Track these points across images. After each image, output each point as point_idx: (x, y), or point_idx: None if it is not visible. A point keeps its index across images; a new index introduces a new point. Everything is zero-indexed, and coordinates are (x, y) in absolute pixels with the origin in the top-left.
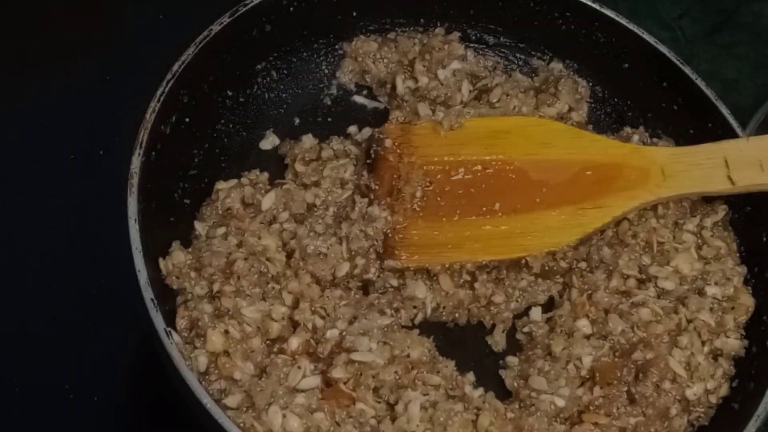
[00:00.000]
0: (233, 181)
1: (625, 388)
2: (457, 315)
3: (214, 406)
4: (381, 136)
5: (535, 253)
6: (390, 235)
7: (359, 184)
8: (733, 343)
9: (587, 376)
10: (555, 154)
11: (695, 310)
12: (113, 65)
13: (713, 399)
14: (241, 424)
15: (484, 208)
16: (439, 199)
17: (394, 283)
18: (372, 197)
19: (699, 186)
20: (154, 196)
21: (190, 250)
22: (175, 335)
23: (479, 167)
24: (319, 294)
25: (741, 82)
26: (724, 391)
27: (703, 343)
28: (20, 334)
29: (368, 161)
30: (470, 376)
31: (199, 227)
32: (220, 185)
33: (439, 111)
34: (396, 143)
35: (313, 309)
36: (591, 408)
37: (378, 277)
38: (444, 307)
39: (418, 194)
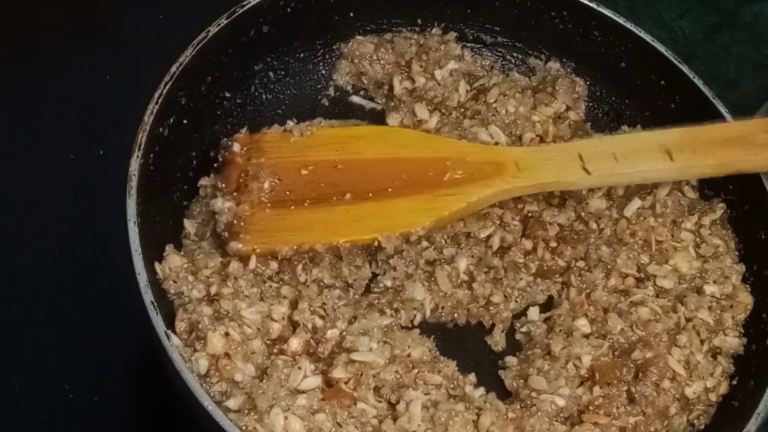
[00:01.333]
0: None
1: (625, 388)
2: (456, 315)
3: (215, 409)
4: (229, 142)
5: (387, 233)
6: (234, 222)
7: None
8: (732, 341)
9: (587, 376)
10: (410, 153)
11: (694, 308)
12: (113, 65)
13: (713, 397)
14: (243, 427)
15: (335, 198)
16: (288, 192)
17: (389, 283)
18: (218, 195)
19: (555, 176)
20: (153, 198)
21: (182, 253)
22: (174, 338)
23: (329, 166)
24: (317, 293)
25: (741, 82)
26: (723, 389)
27: (702, 342)
28: (20, 333)
29: (215, 165)
30: (472, 377)
31: (189, 225)
32: (204, 181)
33: (434, 114)
34: (245, 148)
35: (312, 309)
36: (591, 408)
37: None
38: (443, 308)
39: (266, 186)
